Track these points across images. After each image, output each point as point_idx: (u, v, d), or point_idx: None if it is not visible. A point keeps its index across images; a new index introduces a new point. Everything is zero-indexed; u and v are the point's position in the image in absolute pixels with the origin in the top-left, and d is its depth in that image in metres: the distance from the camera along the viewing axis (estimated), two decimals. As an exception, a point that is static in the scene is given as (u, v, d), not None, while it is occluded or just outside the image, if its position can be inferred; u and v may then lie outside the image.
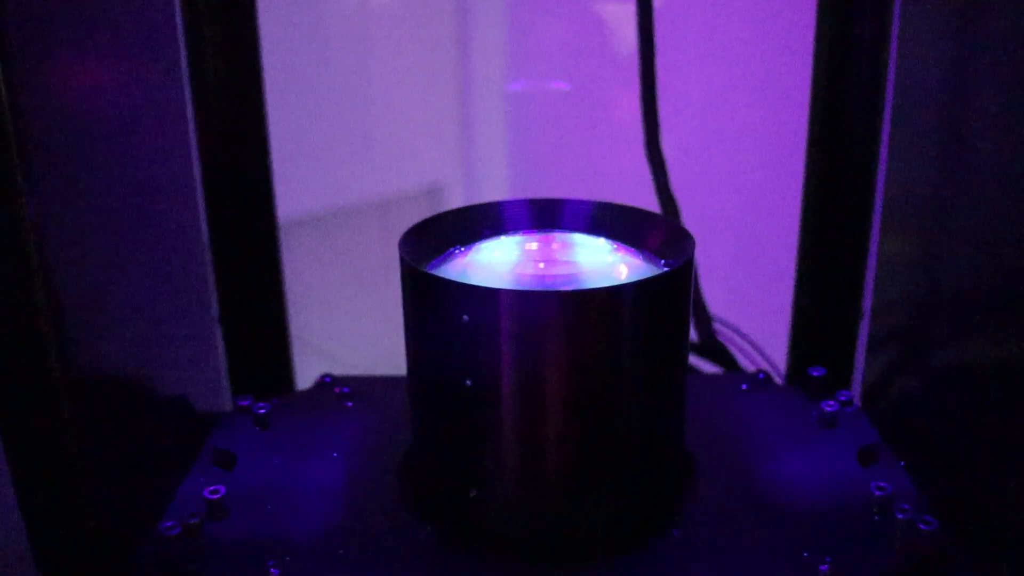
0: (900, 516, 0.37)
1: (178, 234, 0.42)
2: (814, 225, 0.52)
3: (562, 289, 0.34)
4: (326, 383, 0.47)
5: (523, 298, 0.33)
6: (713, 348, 0.53)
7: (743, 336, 0.54)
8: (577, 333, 0.34)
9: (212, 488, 0.39)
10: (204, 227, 0.49)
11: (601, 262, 0.38)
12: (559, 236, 0.40)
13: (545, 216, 0.41)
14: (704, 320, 0.52)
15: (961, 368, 0.39)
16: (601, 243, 0.39)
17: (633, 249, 0.39)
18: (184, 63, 0.49)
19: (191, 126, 0.44)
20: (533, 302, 0.33)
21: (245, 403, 0.45)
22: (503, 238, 0.40)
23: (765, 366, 0.53)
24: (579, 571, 0.36)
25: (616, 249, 0.39)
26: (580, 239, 0.40)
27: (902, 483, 0.40)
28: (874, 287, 0.45)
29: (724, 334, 0.54)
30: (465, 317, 0.34)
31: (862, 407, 0.46)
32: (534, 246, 0.39)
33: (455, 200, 1.12)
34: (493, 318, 0.34)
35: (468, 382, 0.35)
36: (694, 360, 0.54)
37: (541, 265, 0.37)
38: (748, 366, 0.54)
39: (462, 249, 0.39)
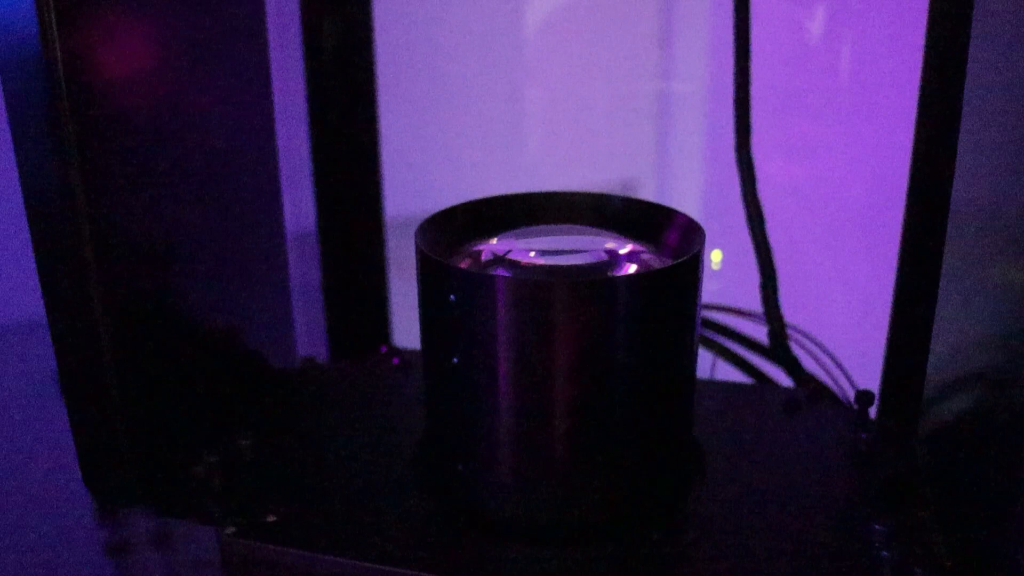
0: (885, 554, 0.35)
1: (257, 205, 0.46)
2: (915, 243, 0.49)
3: (534, 279, 0.35)
4: (383, 353, 0.50)
5: (498, 283, 0.34)
6: (783, 357, 0.51)
7: (824, 349, 0.51)
8: (548, 323, 0.34)
9: (243, 436, 0.43)
10: (303, 205, 0.53)
11: (602, 255, 0.38)
12: (572, 229, 0.40)
13: (566, 210, 0.41)
14: (777, 326, 0.50)
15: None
16: (611, 237, 0.39)
17: (649, 245, 0.39)
18: (300, 47, 0.53)
19: (277, 102, 0.47)
20: (508, 288, 0.34)
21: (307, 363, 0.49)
22: (524, 229, 0.41)
23: (844, 383, 0.51)
24: (541, 555, 0.37)
25: (625, 243, 0.39)
26: (593, 233, 0.40)
27: (921, 525, 0.38)
28: (939, 314, 0.42)
29: (812, 349, 0.52)
30: (452, 297, 0.36)
31: (917, 438, 0.43)
32: (544, 237, 0.40)
33: (646, 196, 1.11)
34: (474, 300, 0.35)
35: (455, 360, 0.37)
36: (766, 367, 0.53)
37: (532, 254, 0.38)
38: (826, 380, 0.51)
39: (476, 239, 0.41)
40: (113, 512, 0.58)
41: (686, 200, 1.11)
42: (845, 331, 0.54)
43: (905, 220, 0.49)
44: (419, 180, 0.66)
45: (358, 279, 0.57)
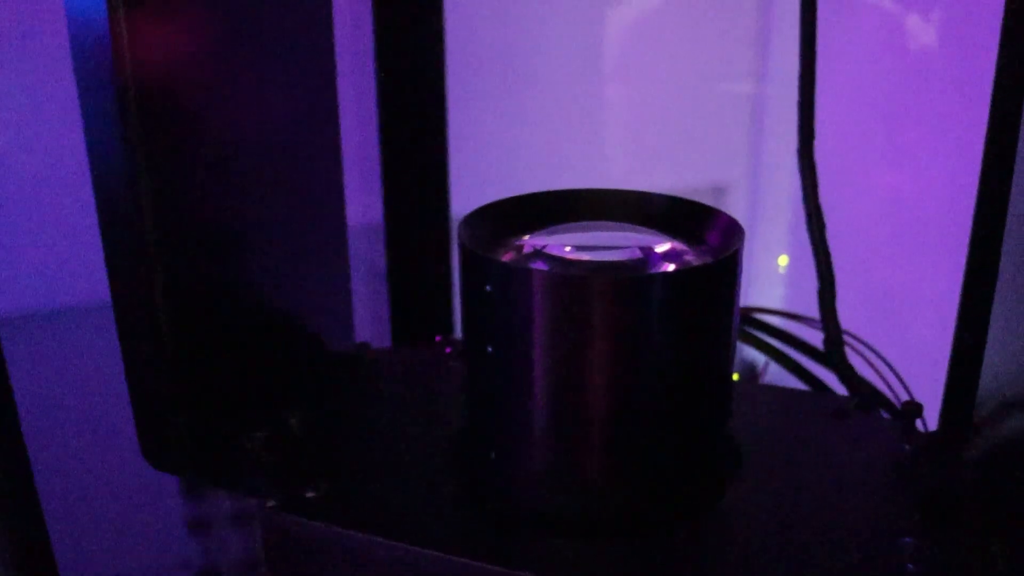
0: (911, 567, 0.34)
1: (318, 193, 0.48)
2: (983, 255, 0.47)
3: (565, 273, 0.36)
4: (437, 342, 0.51)
5: (528, 275, 0.35)
6: (837, 363, 0.50)
7: (883, 359, 0.50)
8: (579, 317, 0.35)
9: (293, 415, 0.44)
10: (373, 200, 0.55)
11: (639, 252, 0.38)
12: (616, 226, 0.41)
13: (612, 207, 0.42)
14: (833, 332, 0.49)
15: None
16: (653, 235, 0.40)
17: (691, 244, 0.39)
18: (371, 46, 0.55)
19: (339, 92, 0.49)
20: (538, 281, 0.35)
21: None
22: (569, 224, 0.41)
23: (904, 394, 0.50)
24: (566, 545, 0.37)
25: (666, 241, 0.39)
26: (635, 231, 0.40)
27: (959, 542, 0.37)
28: (993, 327, 0.41)
29: (874, 359, 0.51)
30: (488, 287, 0.37)
31: (968, 454, 0.42)
32: (586, 233, 0.40)
33: (738, 199, 1.11)
34: (506, 292, 0.36)
35: (489, 349, 0.38)
36: (823, 374, 0.52)
37: (568, 249, 0.38)
38: (885, 390, 0.50)
39: (521, 233, 0.41)
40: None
41: (778, 204, 1.09)
42: (914, 342, 0.52)
43: (973, 231, 0.47)
44: (489, 176, 0.67)
45: (423, 270, 0.58)
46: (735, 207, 1.11)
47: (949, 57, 0.72)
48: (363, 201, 0.57)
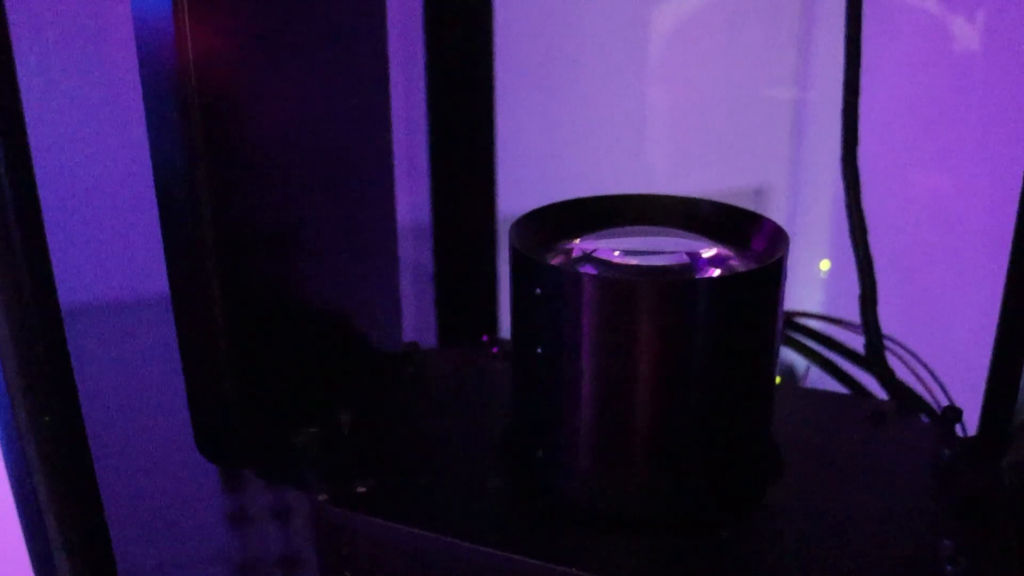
0: (949, 569, 0.35)
1: (371, 196, 0.49)
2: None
3: (614, 277, 0.37)
4: (484, 342, 0.52)
5: (579, 279, 0.36)
6: (878, 368, 0.50)
7: (924, 364, 0.51)
8: (626, 320, 0.36)
9: (343, 412, 0.45)
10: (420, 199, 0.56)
11: (685, 257, 0.39)
12: (662, 231, 0.42)
13: (658, 212, 0.43)
14: (874, 337, 0.50)
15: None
16: (699, 240, 0.41)
17: (736, 250, 0.40)
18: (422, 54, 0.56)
19: (394, 99, 0.50)
20: (589, 285, 0.36)
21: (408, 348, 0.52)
22: (616, 229, 0.42)
23: (944, 399, 0.50)
24: (611, 541, 0.38)
25: (712, 247, 0.40)
26: (681, 236, 0.41)
27: (997, 545, 0.37)
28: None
29: (914, 364, 0.52)
30: (538, 290, 0.38)
31: (1006, 460, 0.43)
32: (633, 238, 0.41)
33: (778, 203, 1.11)
34: (556, 295, 0.37)
35: (539, 350, 0.39)
36: (863, 378, 0.52)
37: (617, 253, 0.39)
38: (925, 395, 0.51)
39: (571, 237, 0.42)
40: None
41: (818, 208, 1.10)
42: (954, 347, 0.53)
43: (1015, 235, 0.47)
44: (536, 178, 0.68)
45: (469, 271, 0.59)
46: (775, 210, 1.11)
47: (992, 60, 0.72)
48: (411, 202, 0.58)
